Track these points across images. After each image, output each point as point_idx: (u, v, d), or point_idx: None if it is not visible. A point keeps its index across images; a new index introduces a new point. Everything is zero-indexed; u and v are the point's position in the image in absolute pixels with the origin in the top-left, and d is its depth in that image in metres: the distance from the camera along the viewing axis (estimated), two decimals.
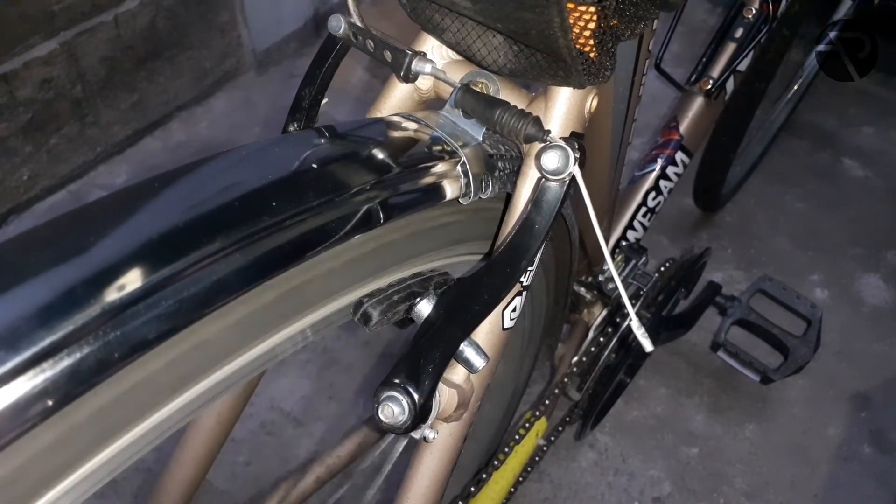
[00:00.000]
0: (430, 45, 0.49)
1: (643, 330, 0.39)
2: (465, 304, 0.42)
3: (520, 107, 0.43)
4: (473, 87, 0.45)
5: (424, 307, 0.43)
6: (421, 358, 0.41)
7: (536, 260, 0.47)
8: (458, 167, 0.44)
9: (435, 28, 0.45)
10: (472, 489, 0.81)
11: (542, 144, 0.40)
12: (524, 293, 0.49)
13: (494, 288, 0.42)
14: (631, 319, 0.37)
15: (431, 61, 0.45)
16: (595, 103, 0.46)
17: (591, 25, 0.38)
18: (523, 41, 0.41)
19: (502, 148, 0.47)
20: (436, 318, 0.42)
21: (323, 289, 0.39)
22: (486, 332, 0.48)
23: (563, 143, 0.38)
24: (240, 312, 0.34)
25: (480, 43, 0.43)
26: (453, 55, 0.49)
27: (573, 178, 0.38)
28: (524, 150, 0.47)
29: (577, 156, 0.38)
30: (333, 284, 0.40)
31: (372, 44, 0.46)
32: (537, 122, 0.41)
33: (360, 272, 0.41)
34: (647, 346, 0.37)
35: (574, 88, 0.44)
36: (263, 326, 0.36)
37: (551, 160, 0.38)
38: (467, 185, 0.45)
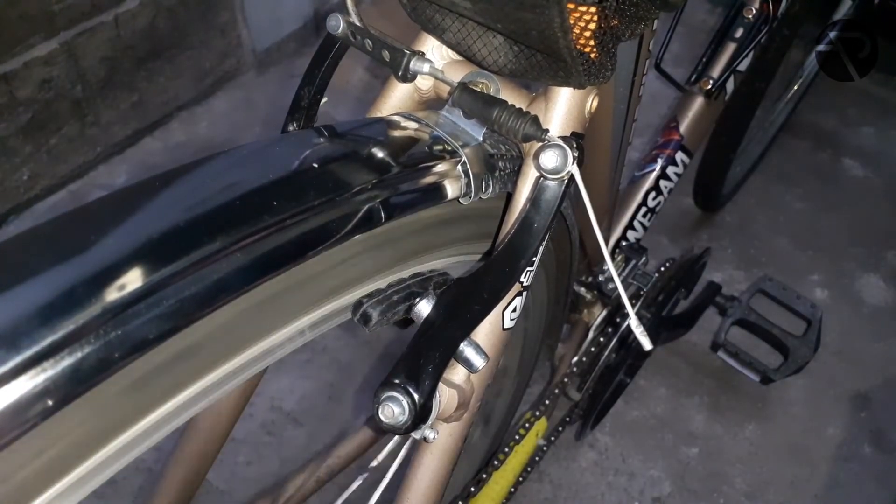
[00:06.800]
0: (430, 45, 0.49)
1: (642, 329, 0.39)
2: (464, 303, 0.42)
3: (519, 107, 0.43)
4: (472, 87, 0.45)
5: (424, 307, 0.43)
6: (421, 358, 0.41)
7: (536, 260, 0.47)
8: (459, 167, 0.44)
9: (435, 28, 0.45)
10: (472, 489, 0.81)
11: (541, 143, 0.40)
12: (524, 293, 0.49)
13: (494, 287, 0.42)
14: (630, 319, 0.37)
15: (430, 61, 0.45)
16: (595, 103, 0.46)
17: (592, 26, 0.38)
18: (523, 41, 0.41)
19: (503, 148, 0.47)
20: (435, 318, 0.42)
21: (323, 288, 0.39)
22: (486, 332, 0.48)
23: (560, 142, 0.38)
24: (240, 311, 0.34)
25: (481, 43, 0.43)
26: (453, 55, 0.49)
27: (572, 177, 0.38)
28: (524, 149, 0.46)
29: (576, 154, 0.38)
30: (334, 284, 0.40)
31: (370, 43, 0.46)
32: (535, 121, 0.41)
33: (359, 272, 0.41)
34: (647, 344, 0.37)
35: (574, 89, 0.44)
36: (263, 325, 0.36)
37: (549, 159, 0.38)
38: (467, 184, 0.45)
